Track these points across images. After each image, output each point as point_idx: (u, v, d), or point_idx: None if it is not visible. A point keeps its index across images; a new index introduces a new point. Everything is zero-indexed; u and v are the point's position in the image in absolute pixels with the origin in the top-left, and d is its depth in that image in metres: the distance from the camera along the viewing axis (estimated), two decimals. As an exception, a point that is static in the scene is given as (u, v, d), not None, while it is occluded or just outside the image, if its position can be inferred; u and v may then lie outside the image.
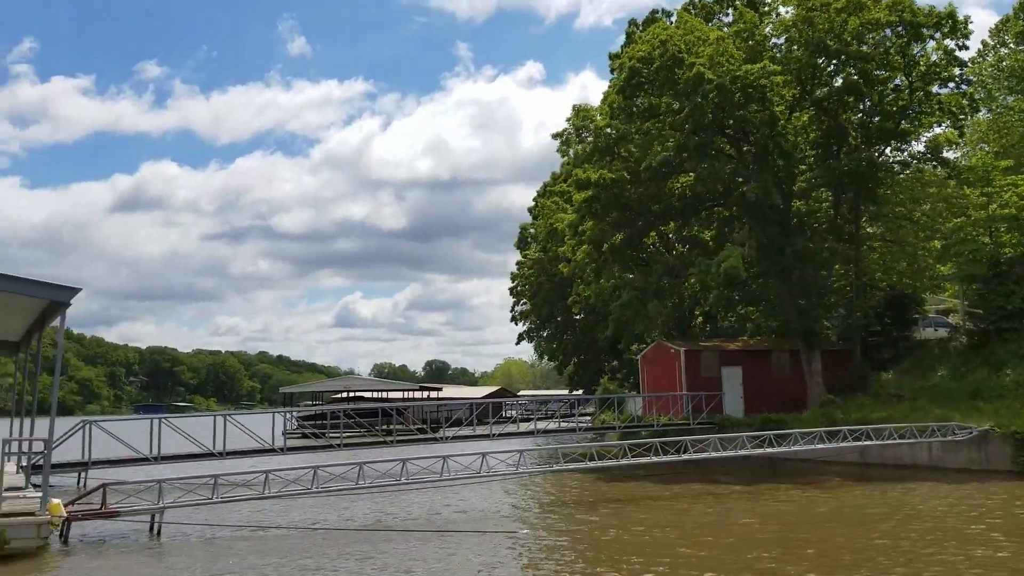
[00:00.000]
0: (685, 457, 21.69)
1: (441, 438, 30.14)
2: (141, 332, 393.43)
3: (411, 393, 71.11)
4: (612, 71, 42.05)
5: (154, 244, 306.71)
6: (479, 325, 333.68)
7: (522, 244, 61.44)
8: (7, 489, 17.04)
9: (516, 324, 61.74)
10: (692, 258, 36.00)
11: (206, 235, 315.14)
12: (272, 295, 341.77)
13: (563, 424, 38.77)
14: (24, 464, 21.94)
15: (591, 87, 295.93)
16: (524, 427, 35.45)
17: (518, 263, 60.27)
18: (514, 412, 53.65)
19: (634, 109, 36.00)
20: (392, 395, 67.78)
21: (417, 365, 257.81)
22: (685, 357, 37.63)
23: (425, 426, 35.71)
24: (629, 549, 14.45)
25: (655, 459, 21.17)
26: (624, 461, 20.77)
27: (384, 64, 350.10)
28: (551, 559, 13.98)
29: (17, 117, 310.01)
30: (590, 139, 38.79)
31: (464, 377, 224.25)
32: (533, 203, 62.62)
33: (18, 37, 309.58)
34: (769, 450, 23.18)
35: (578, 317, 56.39)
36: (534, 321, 60.29)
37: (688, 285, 37.10)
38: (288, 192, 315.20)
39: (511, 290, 61.00)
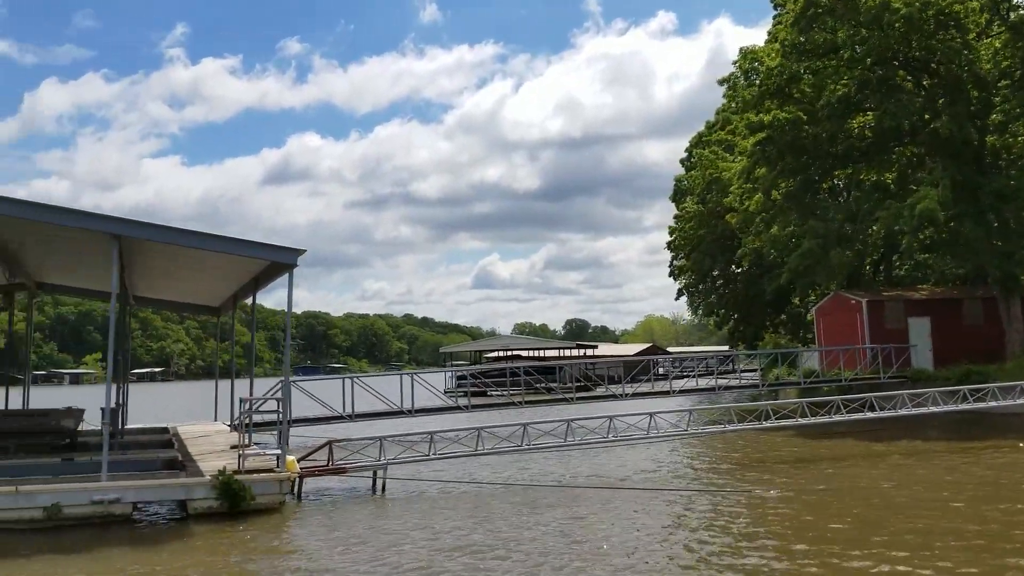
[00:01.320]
0: (903, 412, 20.34)
1: (621, 395, 29.72)
2: (296, 298, 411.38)
3: (567, 351, 71.09)
4: (776, 7, 39.91)
5: (302, 214, 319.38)
6: (617, 283, 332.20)
7: (677, 197, 59.73)
8: (234, 447, 17.79)
9: (674, 279, 60.34)
10: (874, 202, 33.82)
11: (350, 203, 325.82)
12: (413, 259, 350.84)
13: (743, 380, 37.58)
14: (235, 423, 23.03)
15: (727, 33, 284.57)
16: (703, 383, 34.53)
17: (676, 216, 58.57)
18: (678, 369, 52.51)
19: (807, 46, 33.98)
20: (548, 353, 68.01)
21: (556, 324, 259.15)
22: (868, 308, 35.71)
23: (604, 383, 35.38)
24: (903, 508, 13.34)
25: (871, 415, 19.99)
26: (838, 417, 19.68)
27: (514, 25, 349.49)
28: (825, 518, 13.04)
29: (174, 99, 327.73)
30: (757, 82, 36.82)
31: (605, 335, 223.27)
32: (686, 154, 60.84)
33: (172, 23, 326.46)
34: (992, 404, 21.52)
35: (738, 270, 54.54)
36: (691, 276, 58.73)
37: (872, 231, 34.95)
38: (425, 158, 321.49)
39: (668, 244, 59.47)
